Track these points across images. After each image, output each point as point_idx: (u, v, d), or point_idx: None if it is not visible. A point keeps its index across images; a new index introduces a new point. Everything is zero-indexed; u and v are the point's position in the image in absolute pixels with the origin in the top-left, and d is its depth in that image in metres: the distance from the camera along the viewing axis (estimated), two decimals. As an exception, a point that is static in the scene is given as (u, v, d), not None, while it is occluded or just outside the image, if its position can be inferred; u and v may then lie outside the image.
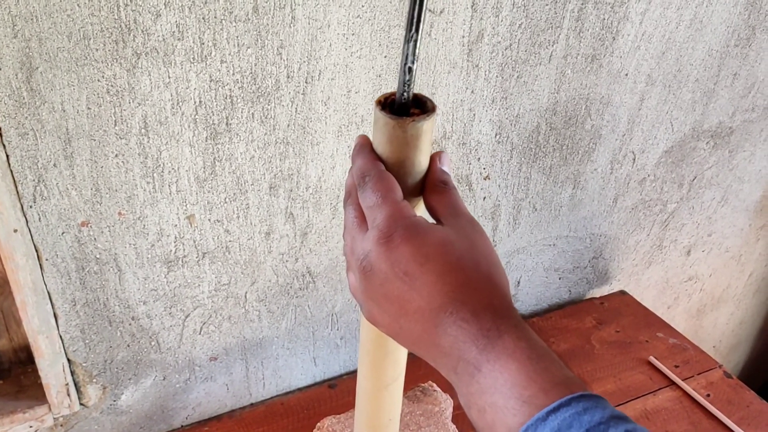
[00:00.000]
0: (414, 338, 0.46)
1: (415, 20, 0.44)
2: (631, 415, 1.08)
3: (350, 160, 0.53)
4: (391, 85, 0.90)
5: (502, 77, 0.99)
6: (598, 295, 1.42)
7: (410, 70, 0.46)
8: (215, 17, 0.75)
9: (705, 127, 1.29)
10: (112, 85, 0.73)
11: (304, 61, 0.82)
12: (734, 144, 1.36)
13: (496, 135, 1.04)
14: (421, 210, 0.55)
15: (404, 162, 0.49)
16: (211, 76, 0.78)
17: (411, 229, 0.45)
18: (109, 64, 0.72)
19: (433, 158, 0.52)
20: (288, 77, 0.83)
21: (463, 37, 0.92)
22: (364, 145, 0.52)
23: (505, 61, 0.97)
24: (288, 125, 0.86)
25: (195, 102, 0.79)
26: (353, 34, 0.84)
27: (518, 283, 1.28)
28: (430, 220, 0.50)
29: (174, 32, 0.73)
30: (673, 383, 1.16)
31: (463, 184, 1.07)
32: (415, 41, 0.45)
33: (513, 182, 1.12)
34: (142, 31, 0.72)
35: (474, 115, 1.00)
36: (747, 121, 1.34)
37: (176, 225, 0.86)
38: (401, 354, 0.59)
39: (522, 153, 1.09)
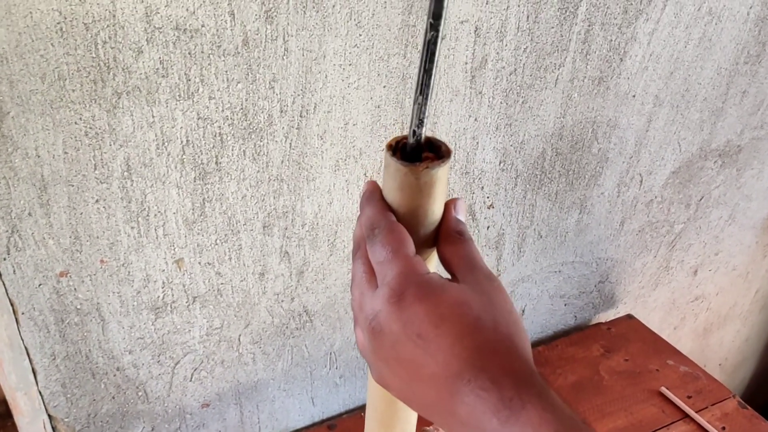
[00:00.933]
0: (427, 404, 0.42)
1: (422, 85, 0.42)
2: (645, 452, 1.04)
3: (358, 208, 0.49)
4: (390, 116, 0.85)
5: (507, 103, 0.94)
6: (604, 320, 1.38)
7: (421, 122, 0.43)
8: (202, 52, 0.70)
9: (713, 146, 1.25)
10: (90, 127, 0.68)
11: (299, 95, 0.78)
12: (742, 162, 1.32)
13: (500, 163, 1.00)
14: (434, 262, 0.51)
15: (416, 211, 0.46)
16: (198, 114, 0.73)
17: (424, 287, 0.42)
18: (87, 105, 0.67)
19: (448, 206, 0.48)
20: (281, 111, 0.78)
21: (466, 63, 0.87)
22: (374, 193, 0.49)
23: (509, 86, 0.93)
24: (282, 161, 0.81)
25: (182, 141, 0.74)
26: (350, 65, 0.79)
27: (523, 311, 1.23)
28: (443, 272, 0.47)
29: (158, 69, 0.68)
30: (686, 416, 1.12)
31: (467, 214, 1.02)
32: (420, 104, 0.42)
33: (518, 210, 1.07)
34: (123, 69, 0.67)
35: (477, 143, 0.95)
36: (755, 139, 1.30)
37: (164, 270, 0.81)
38: (412, 414, 0.55)
39: (527, 180, 1.05)
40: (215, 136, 0.75)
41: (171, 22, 0.67)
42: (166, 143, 0.73)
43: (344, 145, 0.84)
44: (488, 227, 1.06)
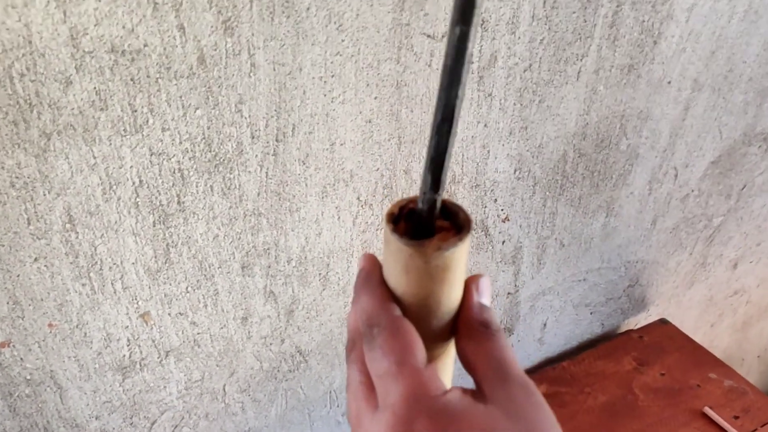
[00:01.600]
0: None
1: (441, 123, 0.31)
2: (690, 488, 0.93)
3: (352, 291, 0.39)
4: (385, 131, 0.73)
5: (521, 104, 0.81)
6: (635, 325, 1.27)
7: (438, 183, 0.33)
8: (147, 77, 0.57)
9: (758, 130, 1.11)
10: (17, 177, 0.56)
11: (272, 116, 0.65)
12: (788, 144, 1.19)
13: (515, 171, 0.87)
14: (451, 357, 0.40)
15: (427, 300, 0.36)
16: (151, 149, 0.61)
17: (440, 416, 0.32)
18: (9, 152, 0.55)
19: (469, 287, 0.38)
20: (253, 138, 0.66)
21: (472, 62, 0.74)
22: (371, 274, 0.38)
23: (524, 85, 0.80)
24: (258, 194, 0.69)
25: (133, 182, 0.62)
26: (333, 76, 0.66)
27: (544, 325, 1.12)
28: (465, 378, 0.36)
29: (93, 101, 0.56)
30: (734, 441, 1.01)
31: (478, 230, 0.90)
32: (437, 154, 0.32)
33: (536, 220, 0.95)
34: (50, 105, 0.55)
35: (488, 151, 0.83)
36: (803, 118, 1.16)
37: (127, 326, 0.70)
38: None
39: (546, 187, 0.92)
40: (174, 172, 0.63)
41: (104, 43, 0.54)
42: (115, 186, 0.61)
43: (331, 168, 0.72)
44: (503, 242, 0.94)
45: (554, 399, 1.07)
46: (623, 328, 1.27)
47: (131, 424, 0.78)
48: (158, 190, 0.64)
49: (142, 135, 0.60)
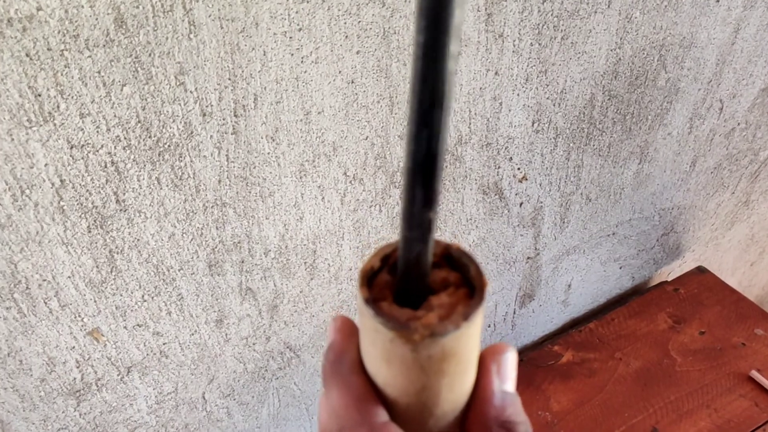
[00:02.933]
0: None
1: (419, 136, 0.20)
2: (738, 468, 0.84)
3: (321, 376, 0.28)
4: (372, 91, 0.60)
5: (539, 44, 0.67)
6: (668, 276, 1.16)
7: (424, 225, 0.22)
8: (48, 49, 0.44)
9: (815, 50, 0.96)
10: None
11: (226, 87, 0.52)
12: None
13: (533, 123, 0.74)
14: None
15: (419, 396, 0.25)
16: (69, 141, 0.48)
17: None
18: None
19: (486, 368, 0.27)
20: (204, 115, 0.52)
21: (478, -4, 0.60)
22: (342, 356, 0.27)
23: (542, 19, 0.65)
24: (219, 181, 0.57)
25: (52, 183, 0.50)
26: (300, 30, 0.52)
27: (569, 286, 1.01)
28: None
29: (-21, 89, 0.43)
30: (786, 409, 0.91)
31: (491, 194, 0.78)
32: (423, 180, 0.21)
33: (559, 176, 0.82)
34: None
35: (500, 104, 0.69)
36: None
37: (74, 347, 0.60)
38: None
39: (570, 138, 0.79)
40: (106, 166, 0.51)
41: (-20, 12, 0.41)
42: (27, 191, 0.49)
43: (309, 142, 0.59)
44: (521, 204, 0.82)
45: (581, 368, 0.98)
46: (656, 281, 1.16)
47: (97, 447, 0.68)
48: (88, 190, 0.51)
49: (54, 125, 0.47)
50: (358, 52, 0.57)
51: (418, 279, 0.23)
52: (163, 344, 0.65)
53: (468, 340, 0.24)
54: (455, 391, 0.25)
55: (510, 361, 0.27)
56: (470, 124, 0.69)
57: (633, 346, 1.01)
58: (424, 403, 0.25)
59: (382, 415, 0.25)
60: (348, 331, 0.27)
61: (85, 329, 0.59)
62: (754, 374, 0.95)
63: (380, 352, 0.24)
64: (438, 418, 0.26)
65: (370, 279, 0.24)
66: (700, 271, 1.12)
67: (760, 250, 1.30)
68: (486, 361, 0.27)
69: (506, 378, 0.27)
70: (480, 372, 0.27)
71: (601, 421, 0.91)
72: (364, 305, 0.23)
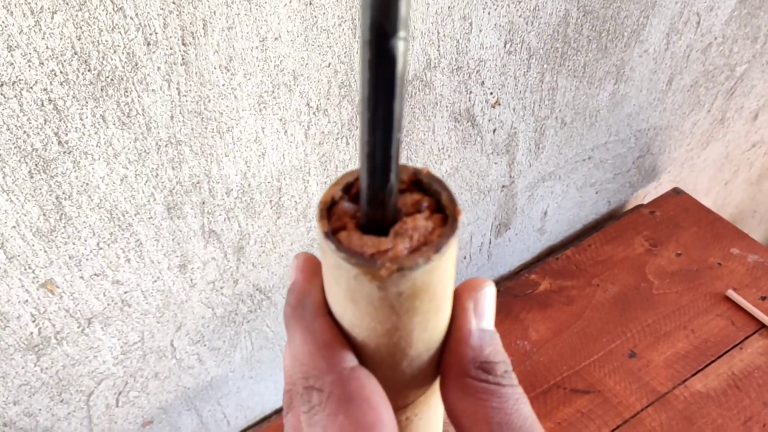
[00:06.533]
0: None
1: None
2: (717, 386, 0.86)
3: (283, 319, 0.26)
4: (333, 12, 0.56)
5: (512, -45, 0.63)
6: (644, 199, 1.15)
7: (388, 157, 0.20)
8: (-36, -24, 0.39)
9: (795, -43, 0.93)
10: None
11: (171, 12, 0.48)
12: (828, -30, 1.01)
13: (505, 44, 0.71)
14: (434, 417, 0.28)
15: (390, 336, 0.23)
16: (-1, 78, 0.44)
17: None
18: None
19: (462, 306, 0.25)
20: (148, 45, 0.48)
21: None
22: (304, 297, 0.25)
23: (514, -72, 0.61)
24: (171, 117, 0.53)
25: (-15, 127, 0.46)
26: (249, -55, 0.48)
27: (545, 214, 1.00)
28: None
29: None
30: (763, 326, 0.92)
31: (463, 121, 0.75)
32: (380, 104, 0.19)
33: (533, 99, 0.80)
34: None
35: (470, 24, 0.66)
36: None
37: (27, 300, 0.57)
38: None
39: (544, 58, 0.76)
40: (42, 105, 0.47)
41: None
42: (-42, 136, 0.45)
43: (266, 71, 0.56)
44: (494, 130, 0.79)
45: (559, 296, 0.98)
46: (632, 204, 1.15)
47: (62, 401, 0.66)
48: (25, 131, 0.48)
49: (-20, 61, 0.43)
50: (314, -30, 0.52)
51: (385, 203, 0.21)
52: (125, 293, 0.63)
53: (441, 274, 0.22)
54: (429, 330, 0.24)
55: (488, 297, 0.26)
56: (439, 46, 0.65)
57: (610, 271, 1.01)
58: (395, 344, 0.23)
59: (350, 360, 0.24)
60: (311, 269, 0.25)
61: (37, 281, 0.56)
62: (731, 293, 0.96)
63: (345, 291, 0.22)
64: (411, 359, 0.24)
65: (331, 211, 0.22)
66: (676, 192, 1.12)
67: (735, 169, 1.30)
68: (462, 298, 0.25)
69: (484, 315, 0.26)
70: (456, 310, 0.25)
71: (580, 347, 0.92)
72: (325, 239, 0.21)
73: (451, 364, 0.25)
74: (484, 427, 0.24)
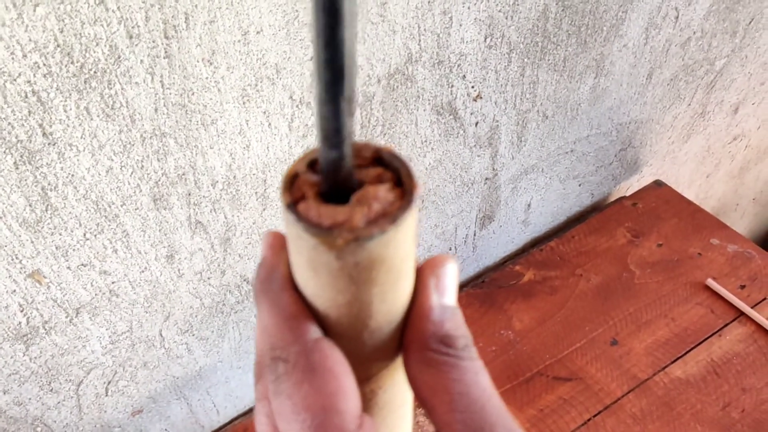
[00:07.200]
0: None
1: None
2: (696, 372, 0.87)
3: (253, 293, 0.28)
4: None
5: (490, -50, 0.64)
6: (627, 191, 1.16)
7: (338, 124, 0.20)
8: (-54, -31, 0.40)
9: (771, -47, 0.94)
10: None
11: (153, 5, 0.48)
12: (804, -35, 1.02)
13: (485, 38, 0.71)
14: (399, 389, 0.29)
15: (350, 308, 0.24)
16: (-17, 71, 0.45)
17: None
18: None
19: (424, 280, 0.26)
20: (131, 38, 0.49)
21: None
22: (271, 272, 0.26)
23: (491, -76, 0.62)
24: (156, 110, 0.54)
25: (-30, 118, 0.46)
26: (229, -61, 0.49)
27: (528, 206, 1.01)
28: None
29: None
30: (742, 314, 0.93)
31: (446, 114, 0.76)
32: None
33: (514, 93, 0.80)
34: None
35: (450, 18, 0.66)
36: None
37: (14, 290, 0.57)
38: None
39: (524, 52, 0.77)
40: (26, 96, 0.47)
41: None
42: (-56, 127, 0.45)
43: (249, 65, 0.56)
44: (476, 123, 0.80)
45: (543, 286, 0.99)
46: (615, 196, 1.16)
47: (51, 390, 0.67)
48: (9, 123, 0.48)
49: (-36, 53, 0.43)
50: (294, -36, 0.53)
51: (340, 164, 0.21)
52: (112, 283, 0.63)
53: (398, 245, 0.22)
54: (388, 301, 0.24)
55: (449, 274, 0.26)
56: (420, 41, 0.66)
57: (593, 262, 1.02)
58: (356, 315, 0.24)
59: (314, 332, 0.24)
60: (279, 246, 0.26)
61: (24, 272, 0.57)
62: (710, 282, 0.97)
63: (306, 262, 0.23)
64: (373, 331, 0.25)
65: (294, 185, 0.23)
66: (658, 185, 1.13)
67: (716, 162, 1.32)
68: (424, 275, 0.26)
69: (445, 291, 0.26)
70: (418, 286, 0.26)
71: (563, 336, 0.93)
72: (286, 210, 0.22)
73: (413, 338, 0.26)
74: (445, 397, 0.25)
